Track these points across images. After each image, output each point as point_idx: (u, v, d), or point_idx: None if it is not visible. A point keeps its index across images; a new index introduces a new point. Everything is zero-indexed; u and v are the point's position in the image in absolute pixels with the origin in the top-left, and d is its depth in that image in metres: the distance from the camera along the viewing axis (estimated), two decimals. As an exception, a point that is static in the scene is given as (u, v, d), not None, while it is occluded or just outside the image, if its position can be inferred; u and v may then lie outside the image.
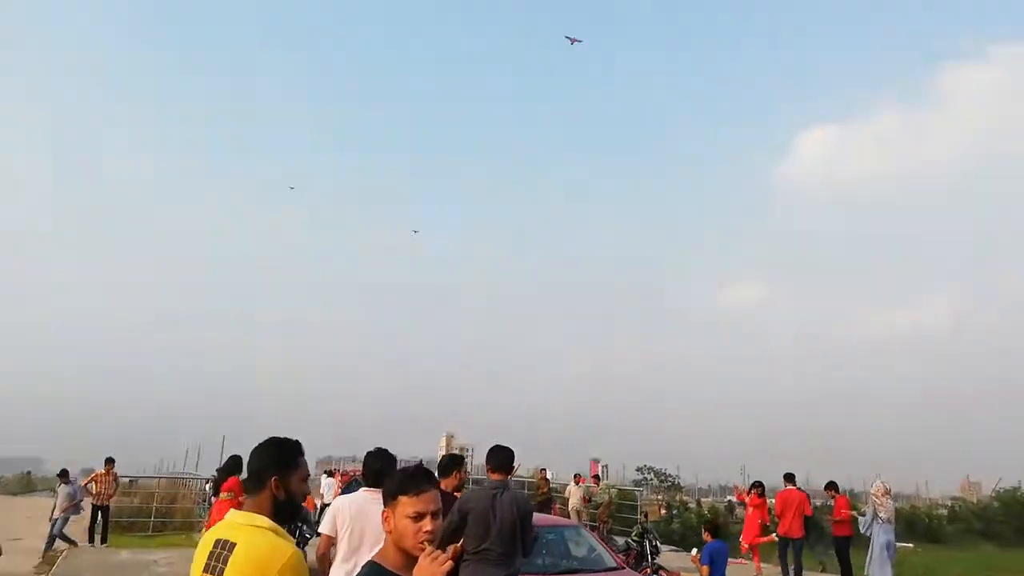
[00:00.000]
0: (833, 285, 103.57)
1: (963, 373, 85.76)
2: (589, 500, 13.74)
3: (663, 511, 25.44)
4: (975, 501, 33.95)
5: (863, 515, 8.41)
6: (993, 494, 30.51)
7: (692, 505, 28.30)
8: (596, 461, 31.31)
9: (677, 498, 29.66)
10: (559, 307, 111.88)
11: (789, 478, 9.83)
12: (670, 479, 33.78)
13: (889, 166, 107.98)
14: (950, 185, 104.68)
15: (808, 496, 9.97)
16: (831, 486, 10.39)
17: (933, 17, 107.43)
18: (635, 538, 8.68)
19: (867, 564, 8.01)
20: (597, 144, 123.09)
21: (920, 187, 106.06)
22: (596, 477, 16.11)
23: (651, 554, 8.35)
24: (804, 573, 9.67)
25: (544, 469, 14.31)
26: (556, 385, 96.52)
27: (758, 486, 10.73)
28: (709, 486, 51.12)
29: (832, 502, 10.29)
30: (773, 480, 12.20)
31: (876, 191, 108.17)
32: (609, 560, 6.07)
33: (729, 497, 30.23)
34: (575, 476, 14.26)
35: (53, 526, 10.38)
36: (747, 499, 10.85)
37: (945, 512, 32.06)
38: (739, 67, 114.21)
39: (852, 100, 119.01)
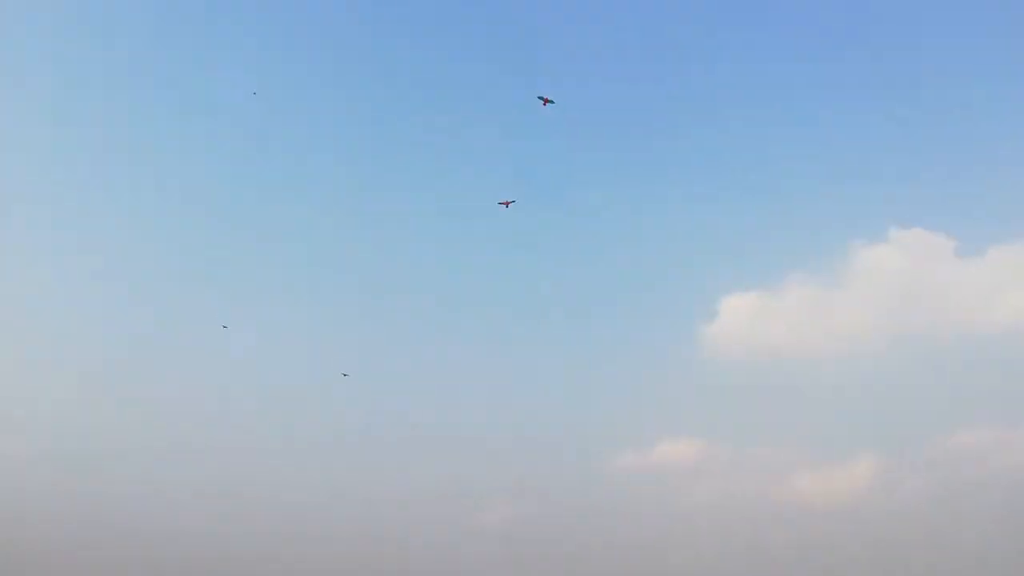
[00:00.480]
0: (761, 445, 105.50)
1: (885, 535, 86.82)
2: None
3: None
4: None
5: None
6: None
7: None
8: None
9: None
10: (485, 459, 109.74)
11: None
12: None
13: (807, 334, 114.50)
14: (864, 355, 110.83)
15: None
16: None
17: (843, 202, 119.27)
18: None
19: None
20: (533, 312, 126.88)
21: (837, 355, 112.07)
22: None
23: None
24: None
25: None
26: (476, 536, 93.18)
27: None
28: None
29: None
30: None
31: (796, 357, 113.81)
32: None
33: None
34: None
35: None
36: None
37: None
38: (674, 233, 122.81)
39: (771, 271, 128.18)
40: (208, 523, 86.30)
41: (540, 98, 50.68)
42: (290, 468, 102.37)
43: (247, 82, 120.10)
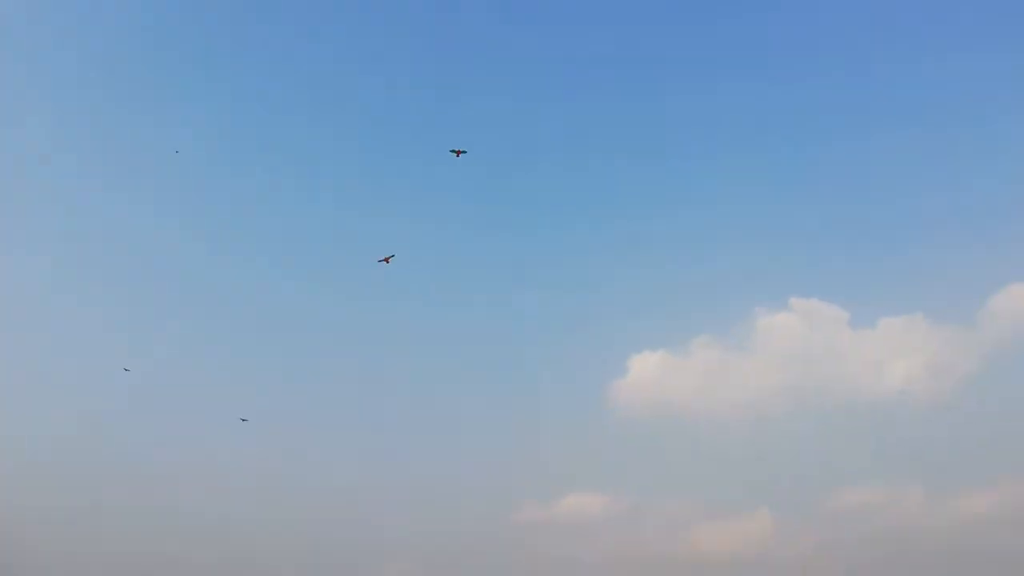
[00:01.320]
0: (662, 498, 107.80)
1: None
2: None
3: None
4: None
5: None
6: None
7: None
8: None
9: None
10: (382, 514, 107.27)
11: None
12: None
13: (711, 394, 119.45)
14: (763, 415, 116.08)
15: None
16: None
17: (748, 270, 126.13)
18: None
19: None
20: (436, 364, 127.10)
21: (737, 415, 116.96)
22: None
23: None
24: None
25: None
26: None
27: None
28: None
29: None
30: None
31: (699, 415, 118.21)
32: None
33: None
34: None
35: None
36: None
37: None
38: (587, 291, 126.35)
39: (679, 333, 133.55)
40: None
41: (453, 150, 50.40)
42: (176, 520, 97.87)
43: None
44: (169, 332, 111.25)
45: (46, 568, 79.39)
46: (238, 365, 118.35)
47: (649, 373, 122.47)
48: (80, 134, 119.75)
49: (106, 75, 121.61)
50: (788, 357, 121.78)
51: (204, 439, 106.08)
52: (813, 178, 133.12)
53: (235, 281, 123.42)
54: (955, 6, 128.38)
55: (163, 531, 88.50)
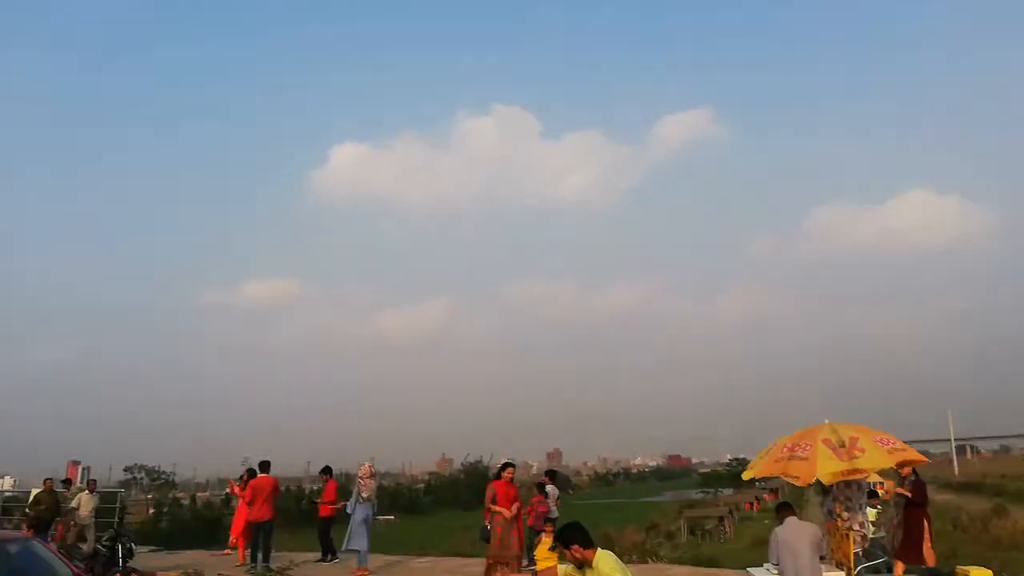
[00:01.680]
0: (351, 286, 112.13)
1: (449, 368, 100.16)
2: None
3: (151, 511, 23.80)
4: (447, 475, 39.54)
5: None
6: (461, 468, 35.92)
7: (186, 502, 26.86)
8: (76, 463, 27.59)
9: (170, 496, 27.96)
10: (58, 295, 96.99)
11: (263, 466, 9.89)
12: (164, 476, 31.67)
13: (409, 188, 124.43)
14: (455, 212, 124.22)
15: (278, 482, 10.12)
16: (325, 471, 10.74)
17: (455, 71, 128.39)
18: (106, 543, 7.77)
19: (346, 539, 8.49)
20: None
21: (432, 210, 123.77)
22: (67, 481, 14.03)
23: (123, 558, 7.57)
24: (277, 553, 9.98)
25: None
26: (24, 376, 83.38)
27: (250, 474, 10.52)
28: (207, 480, 49.40)
29: (324, 486, 10.66)
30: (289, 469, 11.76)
31: (394, 208, 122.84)
32: (64, 571, 5.26)
33: (226, 490, 29.77)
34: (44, 481, 12.06)
35: None
36: (239, 491, 10.65)
37: (423, 486, 36.63)
38: (292, 87, 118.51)
39: (384, 126, 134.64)
40: None
41: None
42: None
43: None
44: None
45: None
46: None
47: (351, 164, 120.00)
48: None
49: None
50: (482, 160, 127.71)
51: None
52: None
53: None
54: None
55: None
